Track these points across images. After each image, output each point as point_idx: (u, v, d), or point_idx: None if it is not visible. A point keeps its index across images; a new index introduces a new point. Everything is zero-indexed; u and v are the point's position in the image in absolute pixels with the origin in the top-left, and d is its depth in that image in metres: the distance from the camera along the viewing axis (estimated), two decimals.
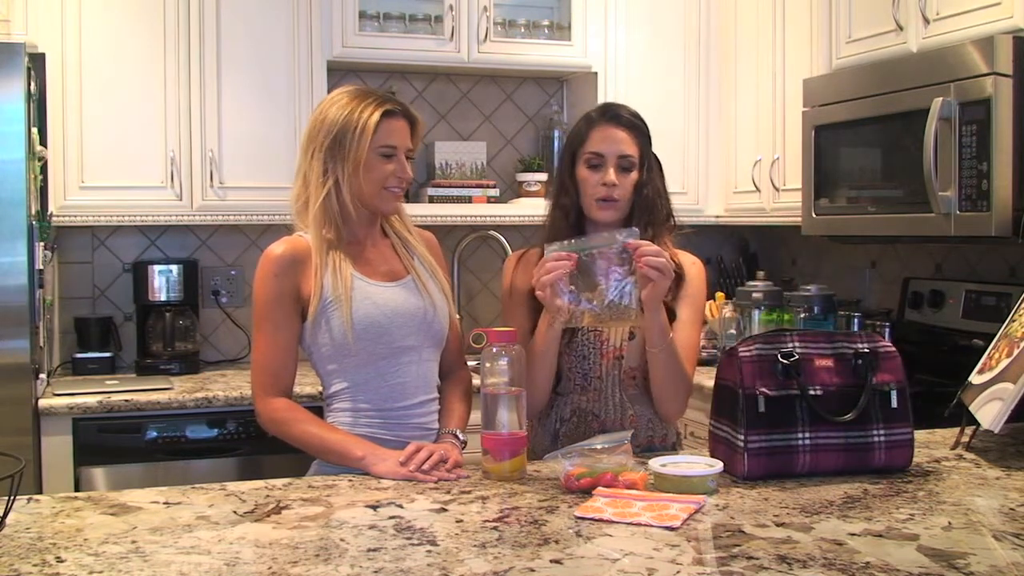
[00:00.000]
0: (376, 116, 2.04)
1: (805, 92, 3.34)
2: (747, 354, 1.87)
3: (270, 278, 2.05)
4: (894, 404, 1.88)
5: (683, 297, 2.19)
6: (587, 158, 2.16)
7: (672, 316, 2.15)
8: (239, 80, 3.52)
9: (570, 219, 2.21)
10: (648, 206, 2.19)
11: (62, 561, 1.41)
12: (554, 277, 1.97)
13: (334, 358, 2.07)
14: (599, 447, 1.84)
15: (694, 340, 2.21)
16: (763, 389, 1.84)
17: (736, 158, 3.90)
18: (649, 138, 2.21)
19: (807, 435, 1.84)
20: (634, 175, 2.17)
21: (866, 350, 1.90)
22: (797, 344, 1.89)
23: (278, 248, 2.07)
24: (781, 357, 1.86)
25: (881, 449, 1.86)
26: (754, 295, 3.75)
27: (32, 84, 3.10)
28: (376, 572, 1.37)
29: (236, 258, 3.88)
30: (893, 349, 1.94)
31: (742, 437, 1.82)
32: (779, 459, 1.83)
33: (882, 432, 1.87)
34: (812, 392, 1.85)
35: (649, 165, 2.20)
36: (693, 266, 2.24)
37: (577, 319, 2.01)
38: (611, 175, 2.14)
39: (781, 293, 3.74)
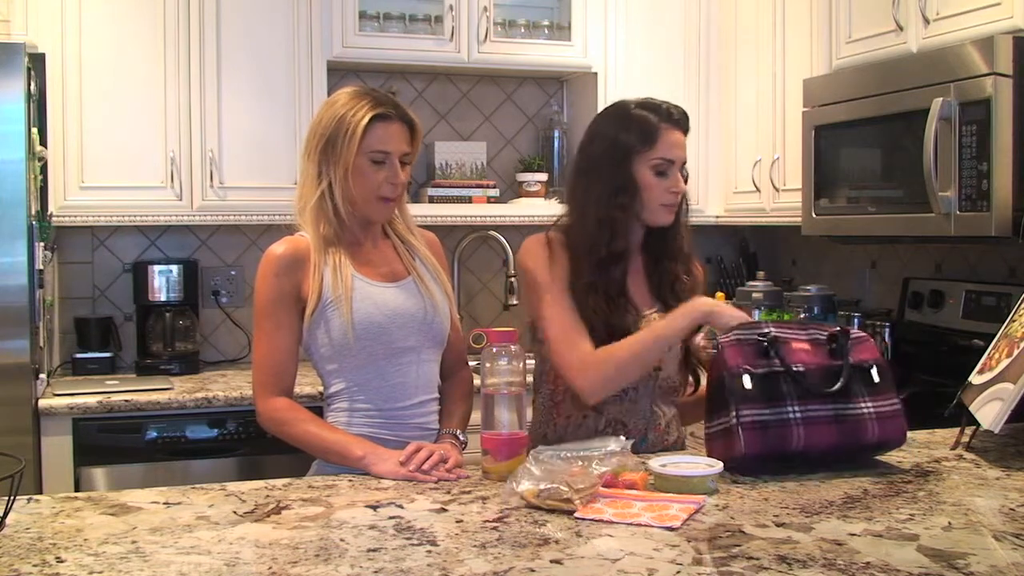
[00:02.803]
0: (365, 120, 2.01)
1: (805, 92, 3.34)
2: (727, 340, 1.91)
3: (271, 278, 2.05)
4: (875, 379, 1.91)
5: None
6: (655, 164, 2.09)
7: None
8: (239, 80, 3.52)
9: (633, 228, 2.13)
10: (686, 209, 2.22)
11: (62, 561, 1.41)
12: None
13: (334, 358, 2.07)
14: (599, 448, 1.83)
15: None
16: (747, 367, 1.86)
17: (736, 158, 3.90)
18: None
19: (796, 408, 1.85)
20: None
21: (839, 334, 1.94)
22: (772, 329, 1.93)
23: (279, 248, 2.07)
24: (759, 336, 1.89)
25: (872, 422, 1.88)
26: (754, 295, 3.76)
27: (32, 84, 3.10)
28: (376, 572, 1.37)
29: (236, 258, 3.88)
30: (864, 334, 1.98)
31: (734, 414, 1.83)
32: (773, 433, 1.84)
33: (869, 404, 1.89)
34: (796, 368, 1.87)
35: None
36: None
37: None
38: (680, 182, 2.13)
39: (781, 293, 3.74)
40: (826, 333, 1.95)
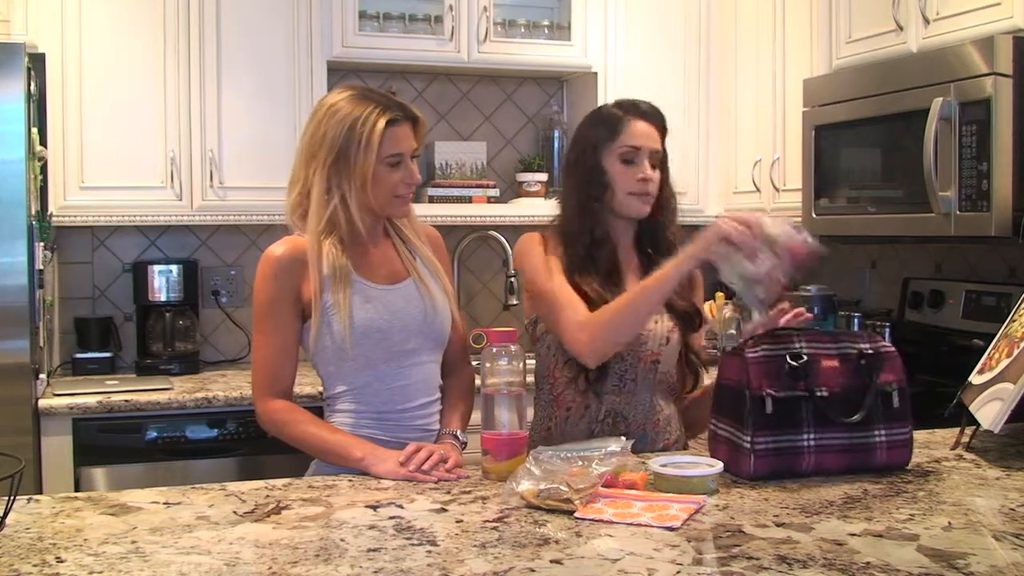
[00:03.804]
0: (380, 127, 1.98)
1: (805, 92, 3.34)
2: (754, 355, 1.85)
3: (270, 279, 2.04)
4: (895, 404, 1.88)
5: (696, 294, 2.24)
6: (622, 152, 2.14)
7: (702, 312, 2.19)
8: (239, 80, 3.52)
9: (603, 218, 2.17)
10: (672, 206, 2.21)
11: (62, 561, 1.41)
12: (738, 238, 1.87)
13: (334, 361, 2.06)
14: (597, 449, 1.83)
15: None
16: (769, 390, 1.83)
17: (736, 158, 3.90)
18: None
19: (812, 436, 1.83)
20: (660, 172, 2.18)
21: (870, 351, 1.90)
22: (804, 344, 1.88)
23: (278, 249, 2.06)
24: (790, 359, 1.85)
25: (882, 448, 1.87)
26: None
27: (32, 84, 3.10)
28: (376, 572, 1.37)
29: (236, 258, 3.88)
30: (894, 349, 1.93)
31: (748, 438, 1.81)
32: (784, 459, 1.83)
33: (883, 432, 1.87)
34: (820, 394, 1.84)
35: (666, 164, 2.21)
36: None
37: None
38: (648, 170, 2.14)
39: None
40: (856, 349, 1.89)
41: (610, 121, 2.17)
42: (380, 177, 2.02)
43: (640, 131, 2.15)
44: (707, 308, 3.85)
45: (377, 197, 2.03)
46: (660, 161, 2.17)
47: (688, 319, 2.19)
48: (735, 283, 1.92)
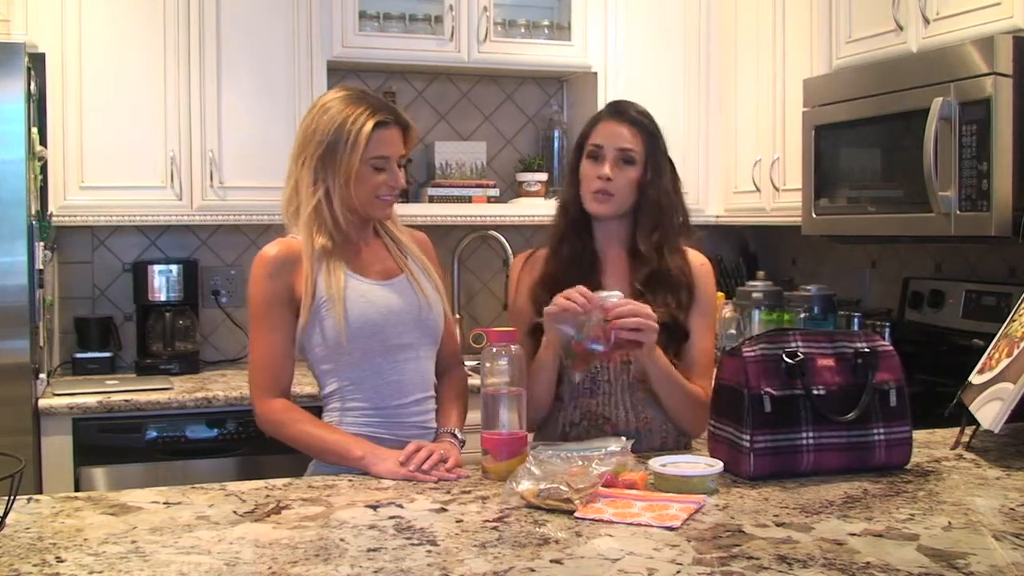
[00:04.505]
0: (368, 128, 2.02)
1: (805, 92, 3.34)
2: (752, 354, 1.86)
3: (264, 279, 2.05)
4: (893, 403, 1.89)
5: (694, 305, 2.18)
6: (589, 151, 2.17)
7: (684, 326, 2.14)
8: (239, 80, 3.52)
9: (569, 214, 2.22)
10: (653, 209, 2.16)
11: (62, 561, 1.41)
12: (560, 309, 1.97)
13: (329, 358, 2.07)
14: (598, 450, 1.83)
15: (710, 348, 2.21)
16: (768, 389, 1.83)
17: (736, 158, 3.90)
18: (656, 139, 2.17)
19: (811, 435, 1.84)
20: (633, 172, 2.14)
21: (866, 350, 1.90)
22: (800, 343, 1.89)
23: (272, 249, 2.07)
24: (786, 357, 1.86)
25: (881, 447, 1.87)
26: (754, 295, 3.76)
27: (32, 84, 3.10)
28: (376, 572, 1.37)
29: (236, 258, 3.88)
30: (891, 348, 1.94)
31: (748, 437, 1.82)
32: (783, 458, 1.83)
33: (882, 431, 1.87)
34: (816, 392, 1.85)
35: (656, 167, 2.16)
36: (702, 267, 2.22)
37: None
38: (607, 168, 2.13)
39: (781, 293, 3.74)
40: (852, 348, 1.90)
41: (589, 122, 2.22)
42: (363, 177, 2.04)
43: (606, 130, 2.17)
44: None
45: (359, 196, 2.05)
46: (635, 160, 2.13)
47: (666, 330, 2.08)
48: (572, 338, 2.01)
